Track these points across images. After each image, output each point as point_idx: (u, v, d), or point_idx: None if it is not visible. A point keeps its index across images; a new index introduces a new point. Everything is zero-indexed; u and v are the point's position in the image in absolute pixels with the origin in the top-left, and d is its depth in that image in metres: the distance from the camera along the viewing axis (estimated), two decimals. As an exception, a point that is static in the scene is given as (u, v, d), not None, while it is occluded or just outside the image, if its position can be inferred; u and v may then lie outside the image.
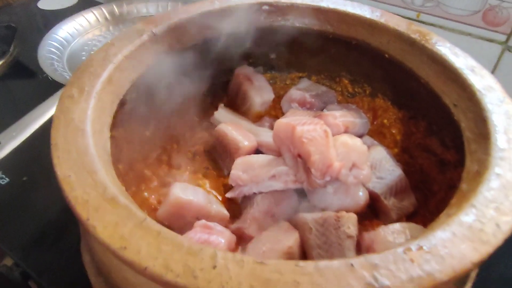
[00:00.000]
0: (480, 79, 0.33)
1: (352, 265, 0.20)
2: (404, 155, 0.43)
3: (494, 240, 0.21)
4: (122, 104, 0.35)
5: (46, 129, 0.47)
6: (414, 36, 0.39)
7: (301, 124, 0.33)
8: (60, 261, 0.44)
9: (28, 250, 0.46)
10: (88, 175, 0.24)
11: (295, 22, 0.44)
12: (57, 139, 0.27)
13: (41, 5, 0.97)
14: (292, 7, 0.43)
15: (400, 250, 0.21)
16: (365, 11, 0.42)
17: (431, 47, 0.37)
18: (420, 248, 0.21)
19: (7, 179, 0.54)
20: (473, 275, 0.31)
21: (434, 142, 0.40)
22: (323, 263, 0.20)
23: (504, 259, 0.44)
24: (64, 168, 0.25)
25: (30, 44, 0.79)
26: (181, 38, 0.40)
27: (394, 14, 0.64)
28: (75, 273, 0.42)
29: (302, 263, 0.20)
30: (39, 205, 0.51)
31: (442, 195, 0.37)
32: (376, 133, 0.46)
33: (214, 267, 0.20)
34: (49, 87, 0.58)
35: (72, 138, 0.27)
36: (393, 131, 0.45)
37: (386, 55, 0.41)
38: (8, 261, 0.48)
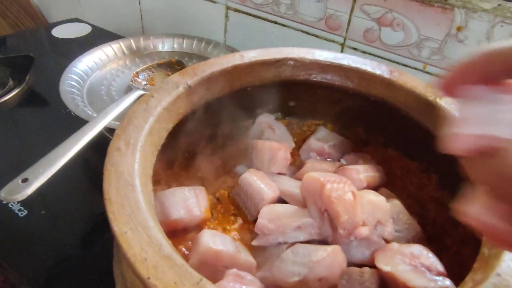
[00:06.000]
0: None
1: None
2: (416, 207, 0.45)
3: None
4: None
5: (68, 166, 0.48)
6: (430, 97, 0.42)
7: (331, 182, 0.35)
8: (81, 298, 0.45)
9: (47, 285, 0.47)
10: (143, 231, 0.26)
11: (318, 77, 0.47)
12: (110, 193, 0.28)
13: (55, 33, 1.00)
14: (315, 64, 0.46)
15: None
16: (383, 71, 0.45)
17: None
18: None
19: (26, 211, 0.55)
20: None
21: (446, 195, 0.43)
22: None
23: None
24: (120, 223, 0.26)
25: (46, 74, 0.81)
26: (212, 89, 0.43)
27: (403, 65, 0.68)
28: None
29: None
30: (57, 239, 0.52)
31: (455, 249, 0.39)
32: (389, 183, 0.48)
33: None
34: (70, 120, 0.59)
35: (124, 193, 0.28)
36: (406, 182, 0.48)
37: (403, 112, 0.44)
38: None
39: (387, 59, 0.69)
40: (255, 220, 0.40)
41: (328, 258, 0.33)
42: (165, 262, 0.24)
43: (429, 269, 0.33)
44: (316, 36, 0.75)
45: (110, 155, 0.32)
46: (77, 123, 0.53)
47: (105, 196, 0.28)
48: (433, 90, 0.43)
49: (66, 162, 0.49)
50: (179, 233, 0.40)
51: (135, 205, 0.28)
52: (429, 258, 0.34)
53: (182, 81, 0.41)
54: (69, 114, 0.62)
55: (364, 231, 0.35)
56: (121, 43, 0.79)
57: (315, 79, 0.47)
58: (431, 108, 0.42)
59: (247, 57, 0.45)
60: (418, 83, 0.43)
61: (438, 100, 0.41)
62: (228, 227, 0.42)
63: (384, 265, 0.34)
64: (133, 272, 0.24)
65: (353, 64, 0.45)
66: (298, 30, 0.77)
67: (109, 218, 0.27)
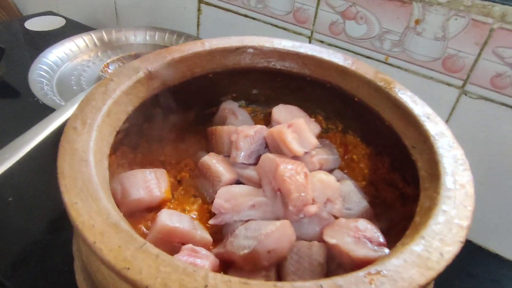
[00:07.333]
0: (434, 126, 0.39)
1: (321, 285, 0.24)
2: (370, 188, 0.48)
3: (438, 267, 0.26)
4: (116, 133, 0.39)
5: (36, 152, 0.49)
6: (380, 83, 0.44)
7: (285, 163, 0.37)
8: (46, 280, 0.46)
9: (13, 269, 0.48)
10: (93, 202, 0.27)
11: (277, 64, 0.49)
12: (64, 168, 0.30)
13: (29, 25, 0.99)
14: (274, 51, 0.48)
15: (361, 273, 0.25)
16: (338, 59, 0.47)
17: (394, 94, 0.43)
18: (378, 272, 0.25)
19: (-8, 199, 0.55)
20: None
21: (396, 177, 0.45)
22: (297, 284, 0.24)
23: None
24: (71, 195, 0.28)
25: (18, 65, 0.81)
26: (174, 75, 0.44)
27: (366, 56, 0.70)
28: (60, 292, 0.44)
29: (280, 283, 0.24)
30: (24, 225, 0.53)
31: (402, 225, 0.42)
32: (346, 167, 0.50)
33: (206, 286, 0.23)
34: (40, 110, 0.60)
35: (77, 168, 0.30)
36: (361, 166, 0.50)
37: (356, 98, 0.46)
38: (-8, 279, 0.49)
39: (351, 51, 0.71)
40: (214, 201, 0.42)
41: (277, 232, 0.35)
42: (112, 229, 0.26)
43: (370, 240, 0.35)
44: (285, 29, 0.77)
45: (66, 133, 0.33)
46: (47, 112, 0.54)
47: (58, 171, 0.30)
48: (383, 77, 0.45)
49: (33, 149, 0.50)
50: (139, 213, 0.41)
51: (87, 179, 0.29)
52: (372, 231, 0.36)
53: (142, 66, 0.42)
54: (38, 104, 0.62)
55: (312, 209, 0.37)
56: (93, 35, 0.80)
57: (274, 67, 0.49)
58: (380, 94, 0.44)
59: (208, 45, 0.46)
60: (369, 69, 0.46)
61: (386, 86, 0.44)
62: (188, 208, 0.43)
63: (330, 238, 0.36)
64: (81, 239, 0.26)
65: (309, 52, 0.47)
66: (268, 23, 0.79)
67: (61, 191, 0.28)
